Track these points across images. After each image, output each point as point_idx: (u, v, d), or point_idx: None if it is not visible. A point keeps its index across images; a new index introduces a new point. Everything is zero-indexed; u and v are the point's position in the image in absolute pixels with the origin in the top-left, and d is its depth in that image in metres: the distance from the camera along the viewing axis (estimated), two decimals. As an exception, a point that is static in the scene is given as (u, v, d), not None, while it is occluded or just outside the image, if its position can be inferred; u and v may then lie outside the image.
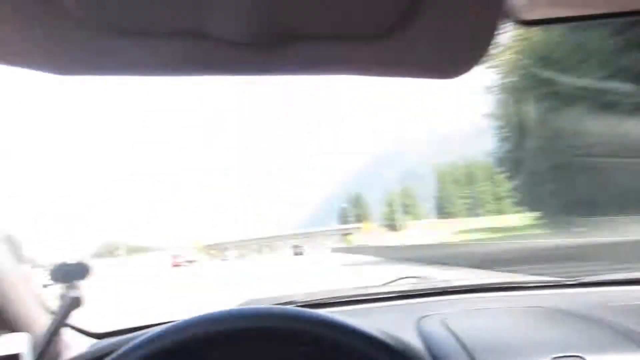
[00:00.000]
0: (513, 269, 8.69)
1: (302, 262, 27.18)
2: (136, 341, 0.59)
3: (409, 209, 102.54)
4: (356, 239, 75.38)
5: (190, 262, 50.78)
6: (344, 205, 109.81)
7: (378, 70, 0.40)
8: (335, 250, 52.29)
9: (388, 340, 0.59)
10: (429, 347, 0.87)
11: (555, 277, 1.44)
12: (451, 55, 0.39)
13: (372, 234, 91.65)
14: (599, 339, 0.89)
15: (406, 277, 1.57)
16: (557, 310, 1.11)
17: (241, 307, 0.62)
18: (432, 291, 1.34)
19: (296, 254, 46.11)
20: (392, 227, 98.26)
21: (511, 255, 11.08)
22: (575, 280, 1.37)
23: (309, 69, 0.39)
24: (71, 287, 0.82)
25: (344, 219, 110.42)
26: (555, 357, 0.80)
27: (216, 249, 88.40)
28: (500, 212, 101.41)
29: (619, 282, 1.35)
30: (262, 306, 0.62)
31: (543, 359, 0.80)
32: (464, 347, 0.86)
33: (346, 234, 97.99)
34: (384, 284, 1.49)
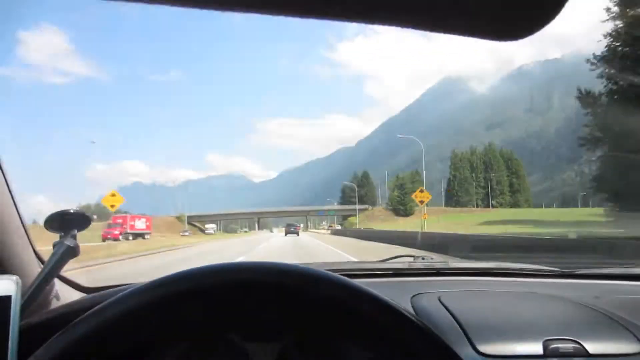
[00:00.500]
0: (509, 256, 9.65)
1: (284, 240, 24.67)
2: (128, 291, 0.57)
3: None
4: (359, 221, 67.38)
5: (138, 235, 41.25)
6: (347, 182, 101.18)
7: (436, 25, 0.37)
8: (334, 232, 46.47)
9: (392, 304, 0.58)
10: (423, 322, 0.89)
11: (552, 267, 1.45)
12: (517, 16, 0.36)
13: (383, 217, 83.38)
14: (595, 326, 0.90)
15: (403, 256, 1.60)
16: (553, 297, 1.12)
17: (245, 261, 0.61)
18: (428, 271, 1.35)
19: (288, 233, 40.62)
20: (398, 211, 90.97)
21: (510, 244, 11.96)
22: (571, 271, 1.39)
23: (364, 15, 0.35)
24: (68, 236, 0.80)
25: (347, 199, 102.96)
26: (548, 339, 0.82)
27: (200, 220, 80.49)
28: (515, 204, 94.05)
29: (613, 276, 1.37)
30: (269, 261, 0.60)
31: (536, 341, 0.81)
32: (458, 323, 0.87)
33: (348, 215, 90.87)
34: (381, 261, 1.51)
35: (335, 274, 0.60)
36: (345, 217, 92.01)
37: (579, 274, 1.37)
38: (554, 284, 1.30)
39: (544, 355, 0.80)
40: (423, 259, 1.51)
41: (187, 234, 56.99)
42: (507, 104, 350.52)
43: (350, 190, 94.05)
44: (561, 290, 1.19)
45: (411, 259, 1.53)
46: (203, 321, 0.62)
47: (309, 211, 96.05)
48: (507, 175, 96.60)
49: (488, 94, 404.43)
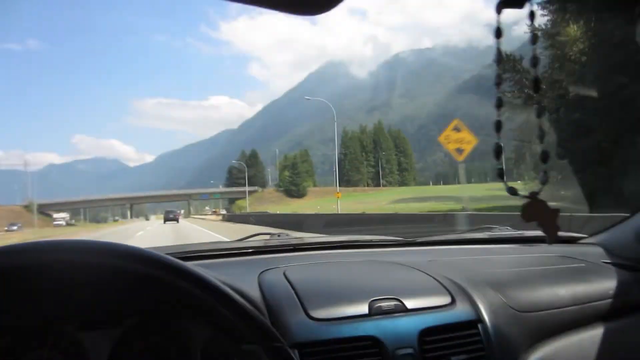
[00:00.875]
0: (366, 229, 11.34)
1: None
2: None
3: (307, 174, 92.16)
4: (249, 204, 61.33)
5: None
6: (235, 162, 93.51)
7: None
8: (229, 217, 42.71)
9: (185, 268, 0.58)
10: (265, 296, 0.93)
11: (400, 237, 1.59)
12: None
13: (269, 199, 77.90)
14: (416, 285, 1.03)
15: (261, 234, 1.63)
16: (387, 262, 1.23)
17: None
18: (284, 247, 1.40)
19: (168, 220, 39.26)
20: (290, 193, 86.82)
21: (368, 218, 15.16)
22: (412, 239, 1.56)
23: None
24: None
25: (234, 180, 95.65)
26: (374, 300, 0.91)
27: (58, 209, 67.41)
28: (403, 183, 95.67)
29: (447, 242, 1.58)
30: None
31: (363, 301, 0.90)
32: (297, 294, 0.92)
33: (236, 198, 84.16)
34: (239, 240, 1.54)
35: (160, 254, 0.58)
36: (232, 201, 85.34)
37: (419, 241, 1.54)
38: (396, 252, 1.44)
39: (369, 314, 0.88)
40: (279, 236, 1.56)
41: (14, 228, 45.05)
42: (385, 89, 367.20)
43: (238, 171, 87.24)
44: (401, 256, 1.31)
45: (268, 237, 1.57)
46: (18, 311, 0.54)
47: (192, 195, 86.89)
48: (396, 154, 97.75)
49: (368, 79, 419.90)
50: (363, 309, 0.89)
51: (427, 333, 0.88)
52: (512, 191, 0.57)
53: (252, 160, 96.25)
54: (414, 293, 0.96)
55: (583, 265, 1.30)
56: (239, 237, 1.54)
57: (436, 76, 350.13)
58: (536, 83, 0.52)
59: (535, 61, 0.52)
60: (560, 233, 1.58)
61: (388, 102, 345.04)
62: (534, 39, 0.50)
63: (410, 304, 0.92)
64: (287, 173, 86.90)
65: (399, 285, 1.02)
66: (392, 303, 0.91)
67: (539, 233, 1.59)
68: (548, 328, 1.03)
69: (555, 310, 1.06)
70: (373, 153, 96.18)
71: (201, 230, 21.45)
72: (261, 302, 0.89)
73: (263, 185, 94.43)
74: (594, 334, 1.09)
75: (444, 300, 0.96)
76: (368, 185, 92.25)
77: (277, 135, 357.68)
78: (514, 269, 1.24)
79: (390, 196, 59.96)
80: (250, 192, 71.69)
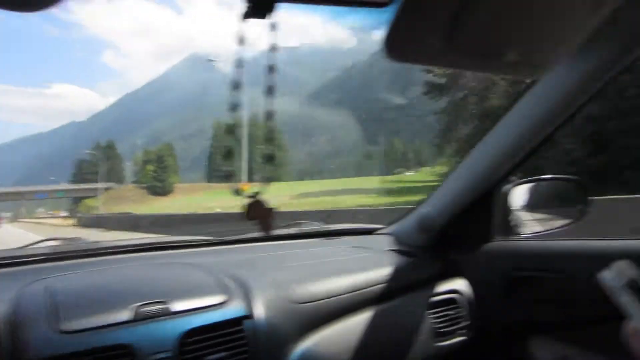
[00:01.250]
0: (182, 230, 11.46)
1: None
2: None
3: (170, 169, 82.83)
4: (103, 203, 50.81)
5: None
6: (88, 152, 78.60)
7: None
8: (85, 222, 34.96)
9: None
10: (15, 311, 0.85)
11: (211, 236, 1.56)
12: None
13: (128, 197, 67.34)
14: (191, 286, 1.00)
15: (52, 239, 1.48)
16: (176, 264, 1.20)
17: None
18: (72, 254, 1.28)
19: None
20: (154, 190, 76.39)
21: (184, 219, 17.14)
22: (223, 239, 1.54)
23: None
24: None
25: (83, 175, 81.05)
26: (140, 305, 0.87)
27: None
28: (277, 178, 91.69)
29: (256, 239, 1.56)
30: None
31: (128, 308, 0.86)
32: (55, 306, 0.85)
33: (84, 197, 70.94)
34: (20, 247, 1.36)
35: None
36: (78, 200, 71.86)
37: (229, 240, 1.53)
38: (199, 252, 1.41)
39: (134, 320, 0.84)
40: (72, 240, 1.44)
41: None
42: (250, 85, 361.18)
43: (90, 165, 73.90)
44: (201, 257, 1.30)
45: (57, 243, 1.42)
46: None
47: (24, 193, 70.33)
48: (269, 148, 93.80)
49: (233, 74, 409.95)
50: (126, 315, 0.85)
51: (190, 334, 0.86)
52: (237, 192, 0.58)
53: (108, 152, 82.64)
54: (186, 295, 0.93)
55: (369, 254, 1.39)
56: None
57: (301, 75, 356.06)
58: (270, 90, 0.54)
59: (271, 69, 0.55)
60: (362, 225, 1.79)
61: (253, 98, 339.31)
62: (272, 48, 0.53)
63: (177, 306, 0.89)
64: (150, 167, 76.28)
65: (173, 287, 0.98)
66: (159, 307, 0.88)
67: (342, 227, 1.75)
68: (323, 316, 1.06)
69: (333, 298, 1.09)
70: (248, 147, 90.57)
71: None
72: (3, 318, 0.81)
73: (120, 181, 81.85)
74: (365, 317, 1.13)
75: (217, 299, 0.94)
76: (241, 180, 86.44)
77: (133, 129, 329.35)
78: (303, 263, 1.26)
79: (285, 191, 55.17)
80: (103, 190, 60.32)
